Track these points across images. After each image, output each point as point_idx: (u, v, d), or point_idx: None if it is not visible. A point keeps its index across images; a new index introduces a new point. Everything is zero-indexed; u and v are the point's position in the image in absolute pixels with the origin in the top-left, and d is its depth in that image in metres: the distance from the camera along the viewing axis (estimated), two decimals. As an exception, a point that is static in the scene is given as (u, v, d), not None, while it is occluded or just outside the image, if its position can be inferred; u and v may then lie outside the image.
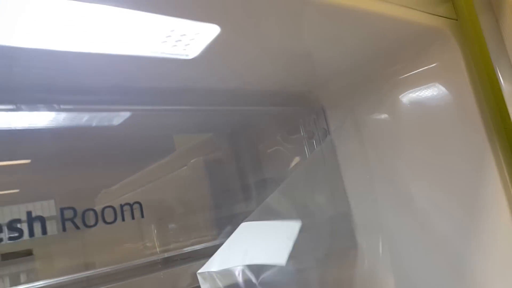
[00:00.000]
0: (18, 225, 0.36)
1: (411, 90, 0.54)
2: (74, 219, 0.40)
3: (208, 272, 0.43)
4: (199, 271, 0.44)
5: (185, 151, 0.68)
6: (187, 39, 0.38)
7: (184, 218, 0.63)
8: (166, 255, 0.48)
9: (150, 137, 0.62)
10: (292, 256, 0.52)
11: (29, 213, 0.36)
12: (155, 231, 0.59)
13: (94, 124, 0.51)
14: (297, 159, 0.63)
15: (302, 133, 0.62)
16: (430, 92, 0.51)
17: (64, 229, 0.38)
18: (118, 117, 0.52)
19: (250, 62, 0.48)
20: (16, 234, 0.36)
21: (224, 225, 0.65)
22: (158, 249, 0.55)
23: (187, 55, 0.41)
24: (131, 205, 0.44)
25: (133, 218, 0.44)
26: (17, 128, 0.45)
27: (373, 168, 0.59)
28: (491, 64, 0.43)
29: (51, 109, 0.42)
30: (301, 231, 0.54)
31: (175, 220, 0.62)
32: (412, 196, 0.54)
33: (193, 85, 0.50)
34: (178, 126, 0.64)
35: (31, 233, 0.36)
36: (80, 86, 0.45)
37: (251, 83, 0.55)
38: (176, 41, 0.38)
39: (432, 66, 0.49)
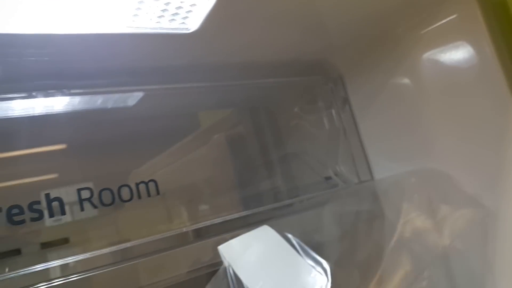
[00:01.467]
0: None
1: (430, 47, 0.50)
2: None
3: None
4: (220, 246, 0.44)
5: (207, 128, 0.69)
6: (184, 11, 0.37)
7: (210, 195, 0.64)
8: (184, 229, 0.48)
9: (170, 116, 0.63)
10: (318, 230, 0.51)
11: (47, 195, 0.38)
12: (183, 211, 0.60)
13: (109, 106, 0.52)
14: (316, 131, 0.62)
15: (319, 104, 0.60)
16: (450, 48, 0.47)
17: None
18: (132, 98, 0.52)
19: (257, 31, 0.46)
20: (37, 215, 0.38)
21: (248, 200, 0.65)
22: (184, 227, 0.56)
23: (187, 29, 0.40)
24: (146, 183, 0.45)
25: (149, 195, 0.45)
26: (34, 115, 0.46)
27: (395, 133, 0.56)
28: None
29: (61, 94, 0.43)
30: (327, 204, 0.53)
31: (201, 198, 0.62)
32: (436, 159, 0.52)
33: (202, 61, 0.50)
34: (196, 103, 0.64)
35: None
36: (89, 70, 0.46)
37: (263, 55, 0.53)
38: (173, 14, 0.37)
39: (451, 19, 0.46)
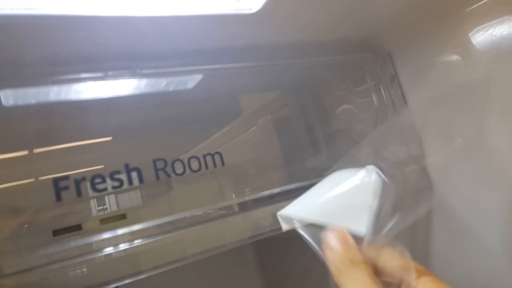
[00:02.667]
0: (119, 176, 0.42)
1: (479, 23, 0.51)
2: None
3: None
4: (278, 212, 0.46)
5: (254, 110, 0.71)
6: (250, -9, 0.39)
7: (257, 176, 0.67)
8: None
9: (219, 99, 0.66)
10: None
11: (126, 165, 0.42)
12: (232, 194, 0.63)
13: (171, 89, 0.56)
14: (363, 108, 0.63)
15: (368, 81, 0.61)
16: (499, 23, 0.48)
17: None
18: (192, 80, 0.55)
19: (311, 11, 0.48)
20: (118, 184, 0.42)
21: (295, 177, 0.67)
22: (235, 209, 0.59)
23: (250, 9, 0.43)
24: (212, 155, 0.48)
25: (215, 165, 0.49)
26: (106, 98, 0.50)
27: (445, 108, 0.57)
28: None
29: (133, 74, 0.46)
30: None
31: (249, 180, 0.65)
32: (487, 137, 0.52)
33: (258, 42, 0.52)
34: (245, 85, 0.67)
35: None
36: (155, 53, 0.49)
37: (314, 34, 0.55)
38: (240, -6, 0.40)
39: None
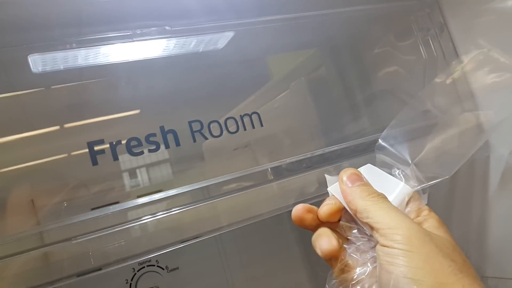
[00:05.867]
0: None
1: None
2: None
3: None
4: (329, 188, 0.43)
5: (285, 73, 0.67)
6: None
7: (293, 146, 0.63)
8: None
9: (251, 61, 0.63)
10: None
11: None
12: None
13: (201, 49, 0.53)
14: (410, 62, 0.58)
15: (415, 32, 0.56)
16: None
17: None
18: (223, 39, 0.52)
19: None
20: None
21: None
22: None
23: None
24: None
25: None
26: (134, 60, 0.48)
27: (499, 62, 0.52)
28: None
29: (162, 32, 0.44)
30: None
31: (285, 150, 0.62)
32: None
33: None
34: (278, 43, 0.63)
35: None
36: (184, 10, 0.46)
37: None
38: None
39: None
